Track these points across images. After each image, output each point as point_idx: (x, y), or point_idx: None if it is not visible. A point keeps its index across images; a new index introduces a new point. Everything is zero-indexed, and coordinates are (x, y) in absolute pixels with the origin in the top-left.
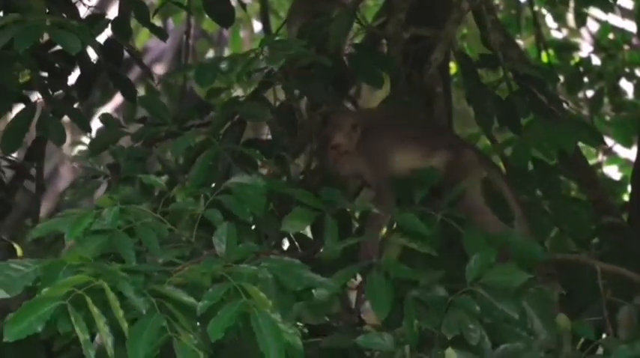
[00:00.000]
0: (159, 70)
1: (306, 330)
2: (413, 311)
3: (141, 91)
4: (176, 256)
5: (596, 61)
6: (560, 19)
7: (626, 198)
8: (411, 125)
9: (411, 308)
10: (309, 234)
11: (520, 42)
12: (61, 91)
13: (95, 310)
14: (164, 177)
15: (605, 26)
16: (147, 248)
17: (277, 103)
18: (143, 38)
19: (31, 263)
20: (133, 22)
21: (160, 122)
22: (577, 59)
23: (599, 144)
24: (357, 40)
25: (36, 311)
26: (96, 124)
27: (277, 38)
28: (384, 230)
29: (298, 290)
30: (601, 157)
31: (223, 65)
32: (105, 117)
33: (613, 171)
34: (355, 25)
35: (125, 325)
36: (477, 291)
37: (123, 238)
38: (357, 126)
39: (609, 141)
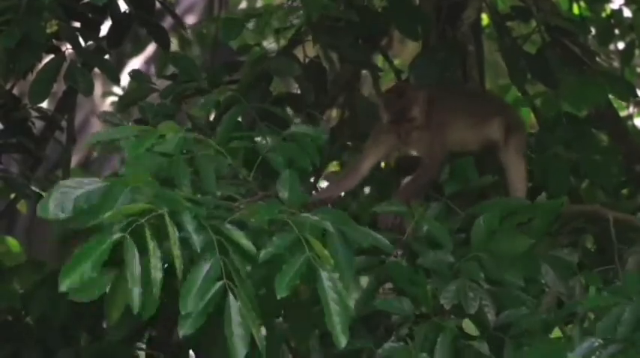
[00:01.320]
0: (190, 20)
1: None
2: (424, 277)
3: (173, 42)
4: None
5: (627, 13)
6: None
7: None
8: (463, 97)
9: (422, 275)
10: None
11: None
12: (91, 42)
13: (152, 245)
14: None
15: None
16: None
17: (307, 60)
18: None
19: (92, 181)
20: None
21: (189, 79)
22: (608, 11)
23: (631, 96)
24: None
25: (89, 257)
26: (127, 76)
27: None
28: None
29: (364, 246)
30: (632, 109)
31: (251, 23)
32: (135, 73)
33: None
34: None
35: (180, 266)
36: (483, 257)
37: (182, 166)
38: (429, 101)
39: None
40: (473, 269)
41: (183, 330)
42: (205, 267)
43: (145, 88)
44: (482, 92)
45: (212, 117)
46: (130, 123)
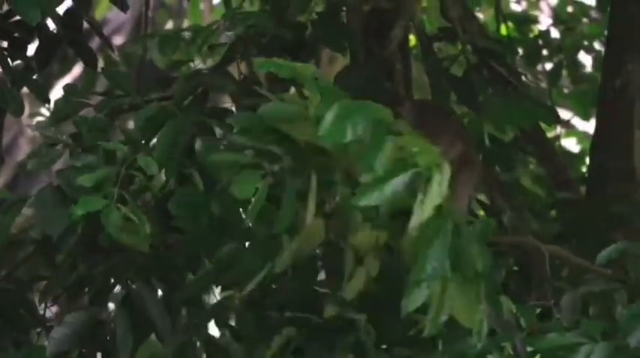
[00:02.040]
0: (118, 41)
1: None
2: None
3: (100, 63)
4: None
5: (555, 33)
6: None
7: (584, 170)
8: (438, 118)
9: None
10: None
11: (480, 15)
12: (19, 62)
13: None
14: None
15: None
16: None
17: (241, 76)
18: (103, 9)
19: None
20: None
21: (122, 94)
22: (536, 32)
23: (555, 122)
24: (318, 9)
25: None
26: (55, 96)
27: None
28: None
29: None
30: (559, 130)
31: (186, 35)
32: (68, 88)
33: (571, 144)
34: None
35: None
36: None
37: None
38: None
39: (567, 114)
40: None
41: (411, 304)
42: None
43: (77, 102)
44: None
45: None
46: (64, 137)
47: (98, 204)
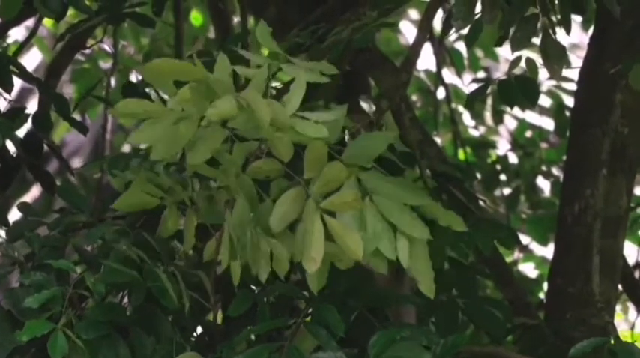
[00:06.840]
0: (76, 163)
1: None
2: None
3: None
4: None
5: (513, 158)
6: (477, 116)
7: (542, 295)
8: None
9: None
10: None
11: (437, 139)
12: None
13: None
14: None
15: (523, 124)
16: None
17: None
18: (61, 132)
19: None
20: (52, 115)
21: (77, 212)
22: (494, 157)
23: (515, 245)
24: None
25: None
26: (13, 217)
27: None
28: None
29: None
30: (517, 255)
31: (135, 159)
32: (23, 206)
33: (529, 269)
34: None
35: None
36: None
37: None
38: None
39: (525, 239)
40: None
41: None
42: None
43: (32, 221)
44: None
45: None
46: (22, 257)
47: (44, 328)
